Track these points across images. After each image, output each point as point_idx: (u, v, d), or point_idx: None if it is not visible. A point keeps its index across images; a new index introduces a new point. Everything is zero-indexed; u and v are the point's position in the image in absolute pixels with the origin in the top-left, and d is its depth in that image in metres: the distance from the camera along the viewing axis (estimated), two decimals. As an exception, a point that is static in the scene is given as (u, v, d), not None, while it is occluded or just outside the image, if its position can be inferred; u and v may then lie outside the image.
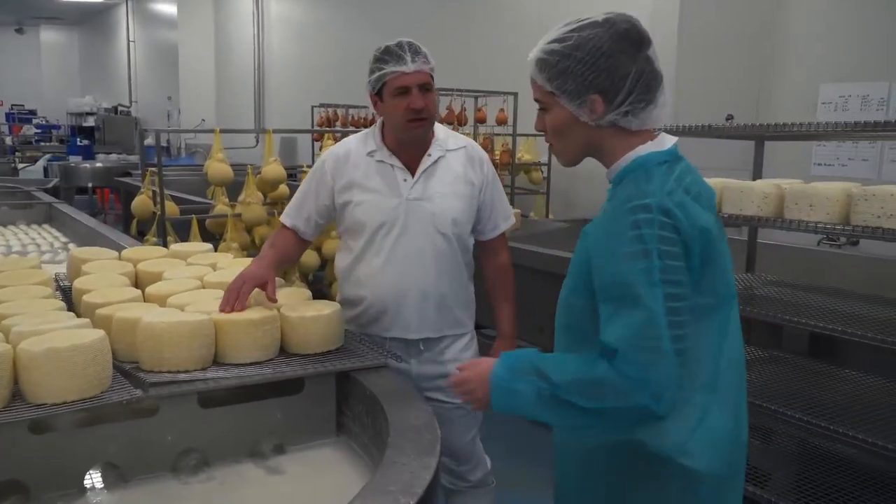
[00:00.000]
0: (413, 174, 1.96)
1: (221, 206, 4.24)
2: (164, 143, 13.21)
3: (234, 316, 1.60)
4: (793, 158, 4.21)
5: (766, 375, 2.47)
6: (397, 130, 1.93)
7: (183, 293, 1.90)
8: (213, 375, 1.49)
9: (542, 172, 5.83)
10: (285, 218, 2.08)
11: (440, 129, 2.03)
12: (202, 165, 8.60)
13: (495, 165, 5.98)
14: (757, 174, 2.72)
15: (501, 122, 5.51)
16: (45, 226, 4.57)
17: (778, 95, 4.71)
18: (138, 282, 2.20)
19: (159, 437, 1.44)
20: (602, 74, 1.24)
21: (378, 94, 1.91)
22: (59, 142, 15.02)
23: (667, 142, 1.31)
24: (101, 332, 1.39)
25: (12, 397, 1.31)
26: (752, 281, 2.63)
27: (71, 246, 3.88)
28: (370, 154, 1.98)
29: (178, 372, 1.48)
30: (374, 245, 1.96)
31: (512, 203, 5.87)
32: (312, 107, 7.89)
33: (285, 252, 2.03)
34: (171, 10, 12.80)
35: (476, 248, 2.11)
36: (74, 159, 12.21)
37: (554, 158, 5.02)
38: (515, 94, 4.94)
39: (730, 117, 4.91)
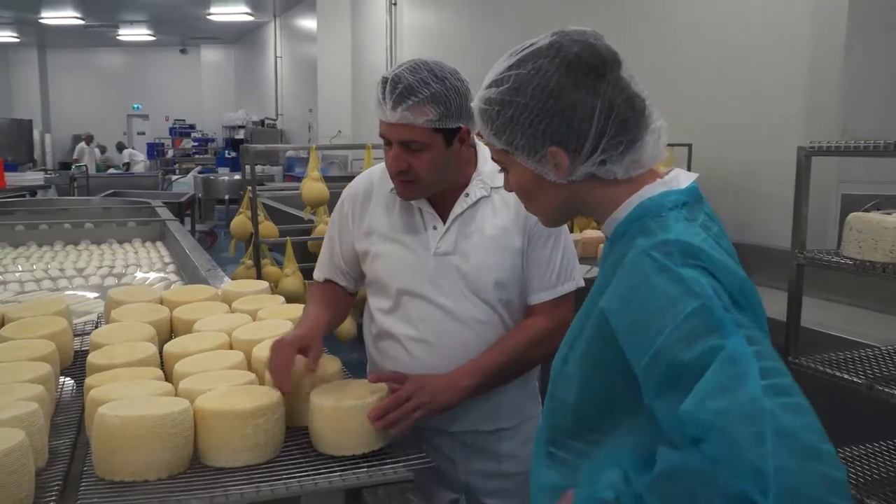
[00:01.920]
0: (445, 220, 1.50)
1: (323, 227, 4.00)
2: (303, 155, 13.61)
3: (219, 405, 1.24)
4: None
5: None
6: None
7: (198, 354, 1.59)
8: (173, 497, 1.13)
9: (682, 187, 5.14)
10: (318, 272, 1.68)
11: (487, 160, 1.52)
12: (338, 178, 8.63)
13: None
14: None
15: (633, 131, 4.90)
16: (158, 243, 4.57)
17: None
18: (173, 330, 1.93)
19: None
20: (554, 120, 0.95)
21: None
22: (213, 154, 15.94)
23: (683, 179, 1.00)
24: (18, 438, 1.07)
25: None
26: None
27: (170, 268, 3.79)
28: (394, 191, 1.52)
29: (134, 483, 1.14)
30: (399, 312, 1.52)
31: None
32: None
33: (332, 311, 1.59)
34: (312, 24, 13.13)
35: None
36: (223, 170, 12.83)
37: (694, 169, 4.36)
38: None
39: (916, 121, 4.02)
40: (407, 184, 1.44)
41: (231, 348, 1.69)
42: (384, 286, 1.54)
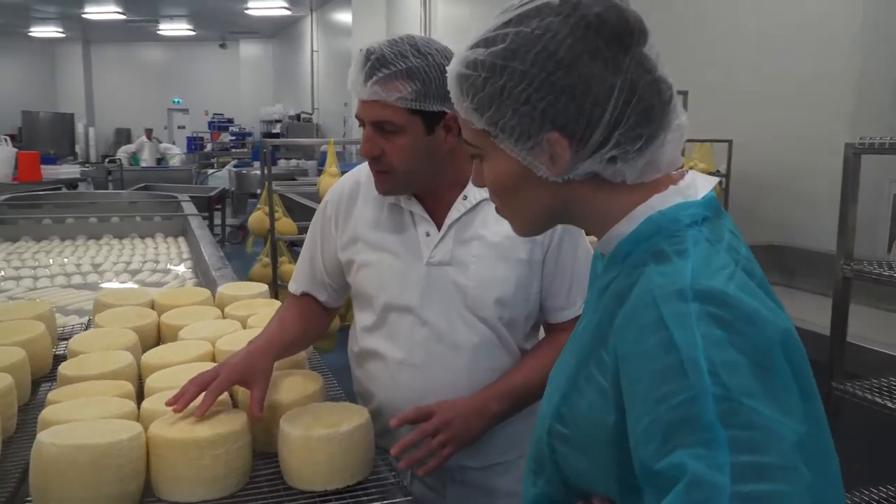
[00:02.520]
0: (440, 227, 1.34)
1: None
2: (339, 149, 13.57)
3: (173, 433, 1.11)
4: None
5: None
6: None
7: (175, 367, 1.47)
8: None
9: (720, 184, 4.90)
10: (293, 284, 1.51)
11: None
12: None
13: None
14: None
15: (670, 126, 4.66)
16: (180, 239, 4.51)
17: None
18: (161, 336, 1.82)
19: None
20: (561, 97, 0.73)
21: None
22: (251, 148, 16.00)
23: (700, 186, 0.80)
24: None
25: None
26: None
27: (187, 264, 3.71)
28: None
29: (72, 521, 1.02)
30: (385, 329, 1.36)
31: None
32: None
33: (301, 328, 1.42)
34: (347, 18, 13.08)
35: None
36: (258, 164, 12.85)
37: (735, 166, 4.12)
38: (685, 93, 4.13)
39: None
40: (382, 175, 1.27)
41: (214, 359, 1.58)
42: (369, 299, 1.38)
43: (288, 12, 15.19)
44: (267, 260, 3.74)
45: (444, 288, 1.31)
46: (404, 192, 1.32)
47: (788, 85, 3.94)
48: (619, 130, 0.75)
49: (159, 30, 17.57)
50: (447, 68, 0.82)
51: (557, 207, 0.81)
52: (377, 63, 1.18)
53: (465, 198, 1.33)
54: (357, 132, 8.86)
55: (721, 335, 0.64)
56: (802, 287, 3.44)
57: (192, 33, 18.16)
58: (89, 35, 18.80)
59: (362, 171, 1.43)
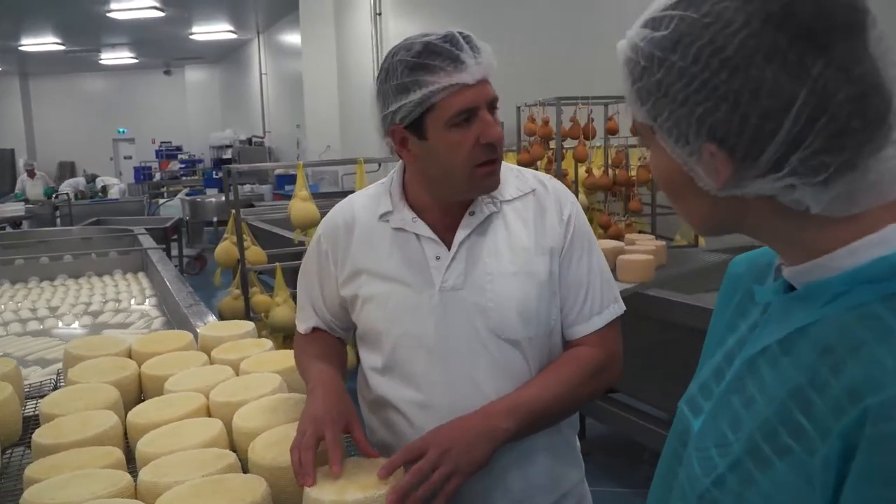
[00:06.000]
0: (449, 247, 1.23)
1: (315, 249, 3.73)
2: (292, 172, 13.35)
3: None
4: None
5: None
6: (459, 184, 1.18)
7: (167, 426, 1.32)
8: None
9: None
10: (301, 323, 1.39)
11: None
12: (329, 194, 8.28)
13: (630, 183, 5.15)
14: None
15: (634, 133, 4.67)
16: (140, 274, 4.29)
17: None
18: (143, 390, 1.65)
19: None
20: (721, 105, 0.59)
21: (415, 129, 1.16)
22: (201, 175, 15.63)
23: None
24: None
25: None
26: None
27: (151, 301, 3.51)
28: (384, 218, 1.26)
29: None
30: (398, 368, 1.23)
31: (653, 229, 4.96)
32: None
33: (334, 362, 1.30)
34: (296, 39, 12.92)
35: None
36: (211, 192, 12.55)
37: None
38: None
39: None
40: (495, 165, 1.18)
41: (209, 412, 1.43)
42: (377, 338, 1.25)
43: (234, 36, 14.94)
44: (238, 292, 3.56)
45: (462, 314, 1.20)
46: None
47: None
48: (796, 154, 0.59)
49: (101, 59, 17.10)
50: (619, 42, 0.69)
51: (727, 220, 0.68)
52: (475, 42, 1.15)
53: (472, 213, 1.23)
54: (311, 154, 8.58)
55: None
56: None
57: (135, 61, 17.73)
58: (27, 67, 18.18)
59: (354, 201, 1.33)
